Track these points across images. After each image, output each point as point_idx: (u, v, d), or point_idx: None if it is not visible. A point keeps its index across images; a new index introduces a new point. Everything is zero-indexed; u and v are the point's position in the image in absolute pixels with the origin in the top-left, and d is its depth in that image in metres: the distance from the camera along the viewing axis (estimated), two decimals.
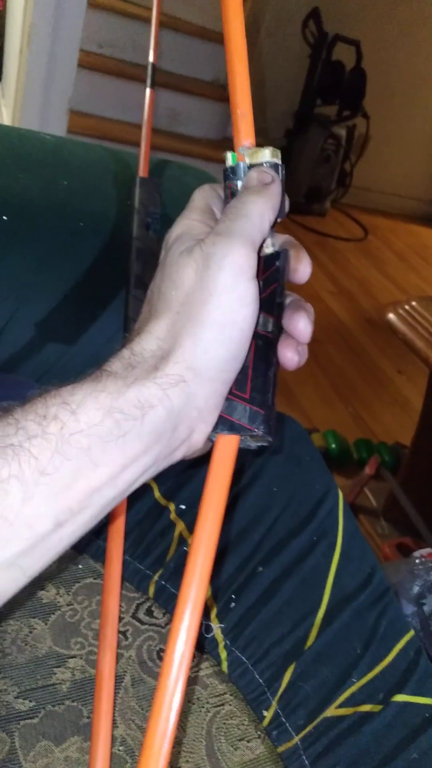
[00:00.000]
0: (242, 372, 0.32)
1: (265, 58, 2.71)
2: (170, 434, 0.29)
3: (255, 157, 0.33)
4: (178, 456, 0.31)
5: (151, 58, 0.72)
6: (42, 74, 1.44)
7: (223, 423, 0.32)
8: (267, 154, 0.33)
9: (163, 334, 0.30)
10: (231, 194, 0.33)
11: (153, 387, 0.28)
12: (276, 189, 0.33)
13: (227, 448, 0.32)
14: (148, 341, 0.30)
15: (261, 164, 0.33)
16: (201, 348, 0.29)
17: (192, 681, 0.46)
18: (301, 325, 0.33)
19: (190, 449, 0.32)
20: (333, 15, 2.60)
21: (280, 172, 0.33)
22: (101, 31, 1.93)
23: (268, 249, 0.33)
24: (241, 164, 0.33)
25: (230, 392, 0.32)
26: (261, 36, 2.67)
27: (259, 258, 0.32)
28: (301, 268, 0.34)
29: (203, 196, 0.35)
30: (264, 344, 0.32)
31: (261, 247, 0.32)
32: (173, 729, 0.28)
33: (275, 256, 0.33)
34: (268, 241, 0.33)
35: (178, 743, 0.42)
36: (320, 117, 2.81)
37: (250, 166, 0.33)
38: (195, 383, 0.29)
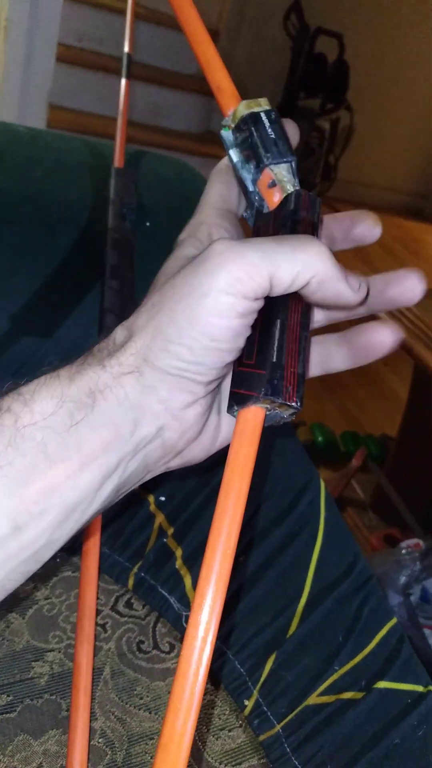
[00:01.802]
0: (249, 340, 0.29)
1: (248, 52, 2.70)
2: (132, 429, 0.27)
3: (235, 119, 0.31)
4: (153, 458, 0.29)
5: (126, 48, 0.72)
6: (20, 69, 1.43)
7: (233, 398, 0.29)
8: (241, 109, 0.31)
9: (129, 323, 0.29)
10: (233, 166, 0.32)
11: (103, 374, 0.27)
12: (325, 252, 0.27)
13: (247, 423, 0.28)
14: (117, 332, 0.29)
15: (243, 119, 0.31)
16: (159, 343, 0.27)
17: (172, 671, 0.46)
18: (409, 291, 0.31)
19: (170, 453, 0.30)
20: (315, 8, 2.59)
21: (254, 121, 0.31)
22: (80, 25, 1.92)
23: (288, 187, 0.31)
24: (228, 133, 0.32)
25: (240, 363, 0.29)
26: (243, 29, 2.66)
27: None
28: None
29: (218, 190, 0.32)
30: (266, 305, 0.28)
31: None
32: (194, 718, 0.25)
33: (286, 202, 0.30)
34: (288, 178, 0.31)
35: (157, 734, 0.42)
36: (303, 110, 2.81)
37: (235, 128, 0.32)
38: (153, 376, 0.27)
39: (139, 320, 0.28)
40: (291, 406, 0.28)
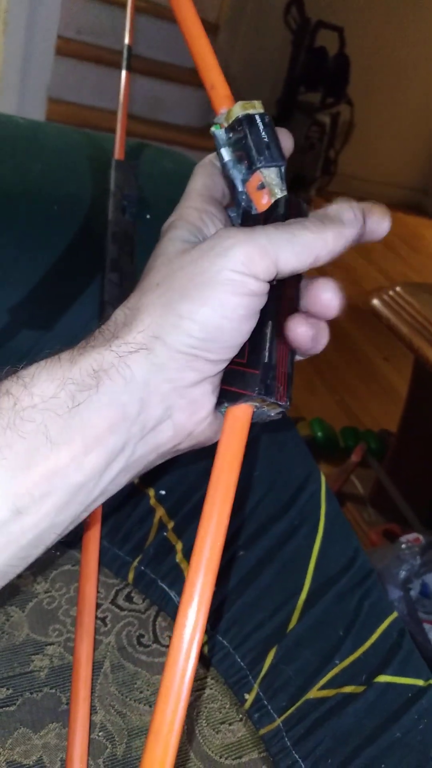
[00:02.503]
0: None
1: (248, 46, 2.69)
2: (138, 409, 0.27)
3: (229, 119, 0.32)
4: (163, 439, 0.29)
5: (126, 40, 0.71)
6: (19, 62, 1.42)
7: (224, 395, 0.29)
8: (237, 110, 0.31)
9: (132, 304, 0.28)
10: (222, 165, 0.32)
11: (108, 353, 0.26)
12: (350, 232, 0.29)
13: (236, 420, 0.29)
14: (118, 313, 0.29)
15: (237, 120, 0.31)
16: (171, 320, 0.27)
17: None
18: (320, 292, 0.29)
19: (182, 434, 0.29)
20: (315, 1, 2.58)
21: (249, 122, 0.31)
22: (79, 17, 1.91)
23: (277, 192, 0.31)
24: (221, 131, 0.32)
25: (231, 361, 0.29)
26: (243, 23, 2.65)
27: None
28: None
29: (203, 180, 0.33)
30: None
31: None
32: (183, 712, 0.26)
33: (285, 204, 0.31)
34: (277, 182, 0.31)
35: None
36: (304, 104, 2.80)
37: (228, 128, 0.32)
38: (162, 353, 0.27)
39: (145, 299, 0.28)
40: (281, 405, 0.29)
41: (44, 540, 0.26)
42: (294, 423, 1.41)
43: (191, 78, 2.31)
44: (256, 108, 0.32)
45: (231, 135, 0.32)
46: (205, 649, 0.46)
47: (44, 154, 0.61)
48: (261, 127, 0.31)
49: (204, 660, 0.47)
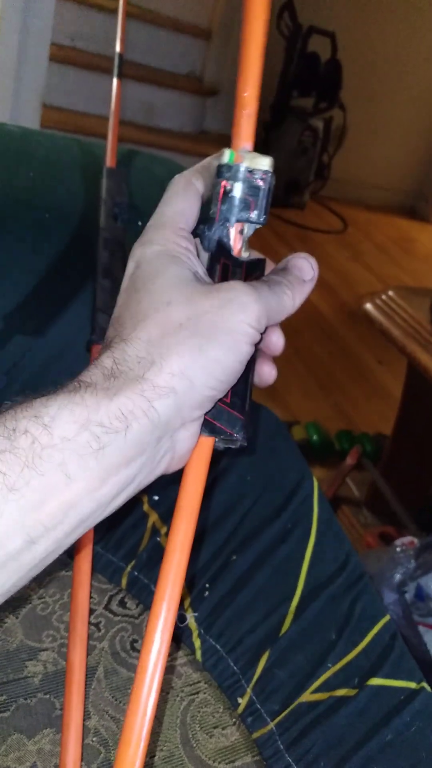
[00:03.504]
0: None
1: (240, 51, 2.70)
2: (155, 445, 0.28)
3: (254, 163, 0.33)
4: (162, 468, 0.31)
5: (117, 48, 0.72)
6: (13, 68, 1.42)
7: (205, 425, 0.32)
8: (266, 164, 0.33)
9: (156, 339, 0.29)
10: (224, 192, 0.33)
11: (138, 399, 0.27)
12: (308, 289, 0.34)
13: (203, 449, 0.32)
14: (134, 347, 0.29)
15: (258, 170, 0.33)
16: (201, 362, 0.29)
17: (167, 670, 0.46)
18: (274, 337, 0.34)
19: (174, 459, 0.31)
20: (307, 6, 2.60)
21: (269, 181, 0.33)
22: (73, 24, 1.92)
23: (245, 254, 0.34)
24: (241, 166, 0.33)
25: None
26: (236, 29, 2.66)
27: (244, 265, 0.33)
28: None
29: (181, 206, 0.33)
30: None
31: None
32: (150, 719, 0.28)
33: (258, 264, 0.34)
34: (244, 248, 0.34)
35: (153, 732, 0.42)
36: (297, 109, 2.82)
37: (250, 171, 0.33)
38: (188, 395, 0.28)
39: (171, 339, 0.29)
40: (243, 446, 0.33)
41: (49, 560, 0.27)
42: (288, 427, 1.41)
43: (184, 84, 2.32)
44: (272, 168, 0.34)
45: (249, 179, 0.33)
46: (199, 653, 0.47)
47: (35, 162, 0.61)
48: (270, 189, 0.33)
49: (196, 664, 0.47)
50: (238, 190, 0.33)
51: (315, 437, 1.58)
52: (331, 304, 2.34)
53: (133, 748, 0.28)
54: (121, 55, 0.70)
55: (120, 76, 0.68)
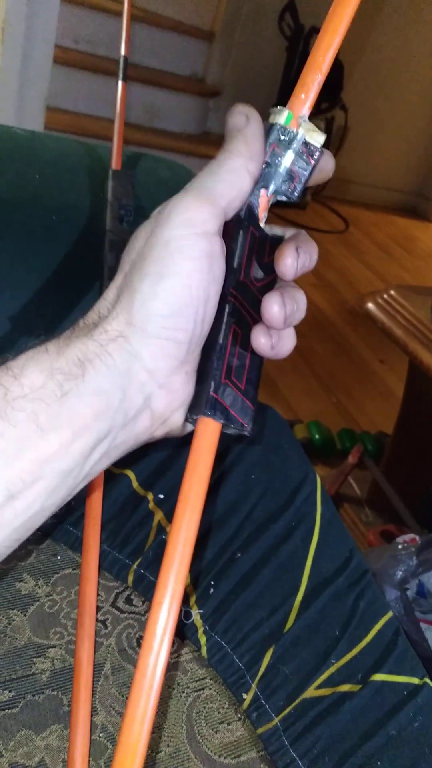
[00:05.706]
0: (237, 357, 0.31)
1: (243, 52, 2.71)
2: (120, 398, 0.28)
3: (312, 136, 0.31)
4: (141, 427, 0.30)
5: (122, 51, 0.72)
6: (17, 71, 1.43)
7: (215, 406, 0.30)
8: (322, 140, 0.31)
9: (111, 296, 0.30)
10: (272, 154, 0.31)
11: (91, 343, 0.28)
12: (251, 133, 0.30)
13: (209, 433, 0.30)
14: (99, 305, 0.30)
15: (313, 146, 0.31)
16: (138, 301, 0.28)
17: (172, 666, 0.47)
18: (273, 308, 0.30)
19: (157, 422, 0.30)
20: (309, 7, 2.60)
21: (318, 159, 0.31)
22: (77, 27, 1.93)
23: (265, 228, 0.32)
24: (299, 135, 0.31)
25: (227, 376, 0.30)
26: (238, 29, 2.66)
27: (236, 221, 0.30)
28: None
29: (228, 190, 0.30)
30: (245, 327, 0.31)
31: (241, 211, 0.31)
32: (152, 715, 0.28)
33: (277, 239, 0.32)
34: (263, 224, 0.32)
35: (158, 728, 0.43)
36: None
37: (305, 143, 0.31)
38: (136, 339, 0.28)
39: (119, 288, 0.30)
40: (249, 435, 0.31)
41: (35, 523, 0.27)
42: (291, 426, 1.42)
43: (187, 86, 2.32)
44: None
45: (303, 147, 0.31)
46: (204, 650, 0.47)
47: (42, 165, 0.62)
48: (317, 162, 0.31)
49: (202, 660, 0.47)
50: (288, 160, 0.31)
51: (317, 436, 1.58)
52: (332, 303, 2.34)
53: (132, 747, 0.28)
54: (126, 58, 0.70)
55: (125, 79, 0.69)
